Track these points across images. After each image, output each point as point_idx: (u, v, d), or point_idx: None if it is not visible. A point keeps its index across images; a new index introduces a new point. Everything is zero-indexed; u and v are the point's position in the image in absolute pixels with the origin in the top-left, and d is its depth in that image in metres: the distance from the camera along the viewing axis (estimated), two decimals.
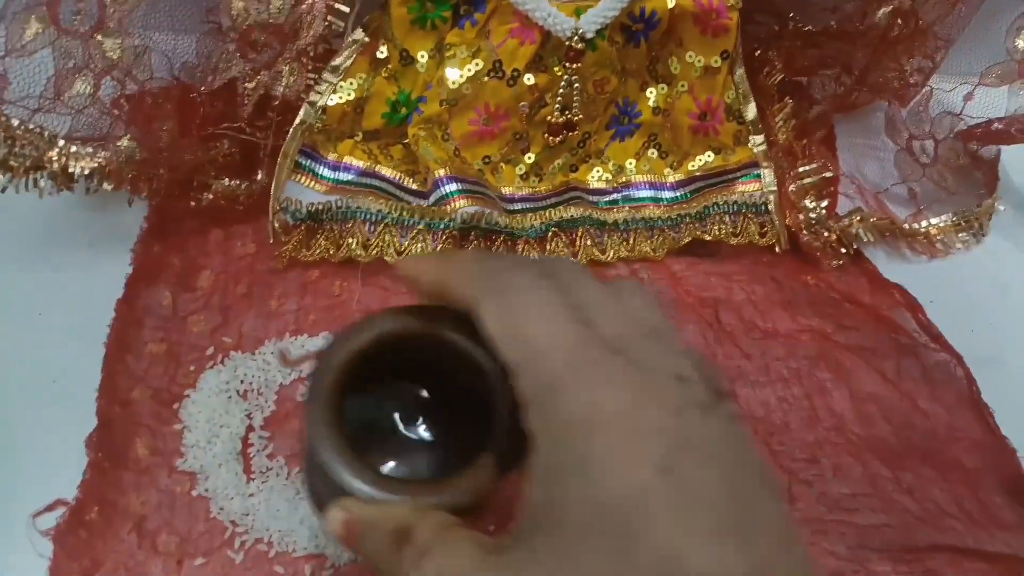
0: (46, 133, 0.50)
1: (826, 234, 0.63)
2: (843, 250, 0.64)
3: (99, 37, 0.52)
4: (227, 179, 0.58)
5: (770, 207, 0.64)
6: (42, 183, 0.52)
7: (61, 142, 0.50)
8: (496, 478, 0.33)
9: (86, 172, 0.51)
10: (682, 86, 0.64)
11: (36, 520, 0.45)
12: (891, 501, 0.52)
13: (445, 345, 0.34)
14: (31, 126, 0.49)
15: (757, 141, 0.65)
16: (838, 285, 0.62)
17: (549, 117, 0.61)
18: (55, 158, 0.50)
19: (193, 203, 0.57)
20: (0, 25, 0.50)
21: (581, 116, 0.62)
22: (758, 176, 0.65)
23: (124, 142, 0.52)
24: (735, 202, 0.64)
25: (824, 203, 0.63)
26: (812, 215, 0.62)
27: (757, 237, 0.64)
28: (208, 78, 0.56)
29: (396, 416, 0.40)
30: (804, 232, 0.63)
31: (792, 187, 0.64)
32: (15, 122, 0.48)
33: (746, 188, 0.65)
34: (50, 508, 0.45)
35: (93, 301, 0.54)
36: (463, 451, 0.34)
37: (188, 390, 0.51)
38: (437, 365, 0.37)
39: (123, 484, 0.47)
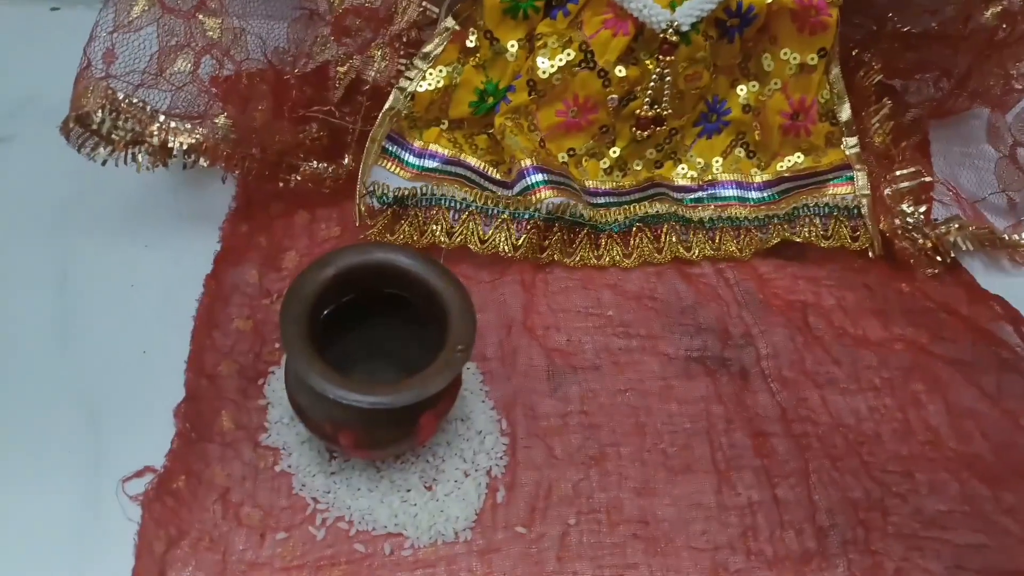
0: (148, 108, 0.51)
1: (921, 241, 0.61)
2: (939, 258, 0.61)
3: (201, 16, 0.53)
4: (315, 161, 0.58)
5: (863, 211, 0.62)
6: (140, 158, 0.53)
7: (162, 117, 0.51)
8: (446, 378, 0.42)
9: (184, 147, 0.52)
10: (775, 84, 0.62)
11: (125, 485, 0.46)
12: (990, 521, 0.50)
13: (401, 271, 0.44)
14: (135, 100, 0.50)
15: (850, 143, 0.63)
16: (934, 294, 0.60)
17: (638, 111, 0.60)
18: (156, 132, 0.51)
19: (281, 184, 0.58)
20: (110, 3, 0.51)
21: (670, 111, 0.61)
22: (851, 179, 0.63)
23: (220, 120, 0.53)
24: (826, 204, 0.62)
25: (922, 208, 0.60)
26: (909, 220, 0.60)
27: (849, 240, 0.62)
28: (301, 61, 0.57)
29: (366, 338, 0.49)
30: (899, 238, 0.60)
31: (888, 191, 0.61)
32: (120, 95, 0.49)
33: (838, 190, 0.63)
34: (139, 474, 0.46)
35: (183, 277, 0.55)
36: (417, 360, 0.42)
37: (273, 367, 0.51)
38: (393, 289, 0.46)
39: (209, 455, 0.47)
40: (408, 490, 0.47)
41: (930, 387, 0.55)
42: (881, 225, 0.62)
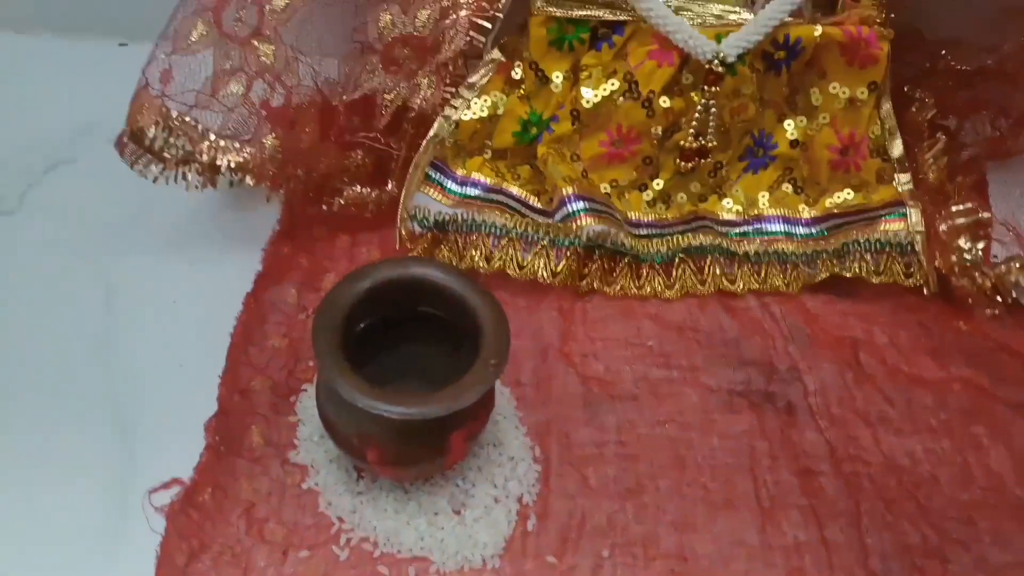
0: (200, 127, 0.52)
1: (980, 280, 0.58)
2: (999, 298, 0.58)
3: (255, 42, 0.55)
4: (359, 186, 0.59)
5: (917, 247, 0.60)
6: (190, 176, 0.54)
7: (212, 136, 0.52)
8: (478, 392, 0.41)
9: (232, 166, 0.53)
10: (823, 118, 0.61)
11: (152, 496, 0.45)
12: None
13: (435, 286, 0.44)
14: (187, 119, 0.52)
15: (903, 180, 0.61)
16: (994, 335, 0.57)
17: (682, 142, 0.60)
18: (205, 150, 0.52)
19: (325, 207, 0.58)
20: (170, 27, 0.53)
21: (715, 143, 0.60)
22: (904, 215, 0.61)
23: (268, 140, 0.54)
24: (877, 240, 0.60)
25: (980, 245, 0.58)
26: (967, 256, 0.58)
27: (902, 277, 0.59)
28: (349, 88, 0.58)
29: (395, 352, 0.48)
30: (956, 275, 0.58)
31: (943, 227, 0.59)
32: (174, 113, 0.51)
33: (890, 227, 0.61)
34: (166, 486, 0.46)
35: (224, 295, 0.56)
36: (448, 374, 0.42)
37: (305, 384, 0.51)
38: (427, 306, 0.45)
39: (236, 470, 0.47)
40: (436, 513, 0.46)
41: (992, 431, 0.52)
42: (937, 263, 0.59)
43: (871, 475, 0.50)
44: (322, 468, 0.47)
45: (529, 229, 0.58)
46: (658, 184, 0.62)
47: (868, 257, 0.60)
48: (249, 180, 0.54)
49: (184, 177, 0.54)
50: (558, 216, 0.58)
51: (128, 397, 0.50)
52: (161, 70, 0.52)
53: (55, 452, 0.47)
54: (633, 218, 0.62)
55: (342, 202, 0.59)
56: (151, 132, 0.50)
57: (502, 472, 0.48)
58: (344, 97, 0.58)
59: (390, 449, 0.42)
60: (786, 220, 0.63)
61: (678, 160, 0.61)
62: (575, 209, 0.57)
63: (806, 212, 0.63)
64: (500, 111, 0.60)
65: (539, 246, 0.58)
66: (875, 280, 0.59)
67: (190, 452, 0.47)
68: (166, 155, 0.53)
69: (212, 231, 0.60)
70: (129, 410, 0.50)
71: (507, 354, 0.42)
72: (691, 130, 0.59)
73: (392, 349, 0.47)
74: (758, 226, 0.63)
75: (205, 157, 0.52)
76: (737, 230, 0.62)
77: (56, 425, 0.49)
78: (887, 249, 0.60)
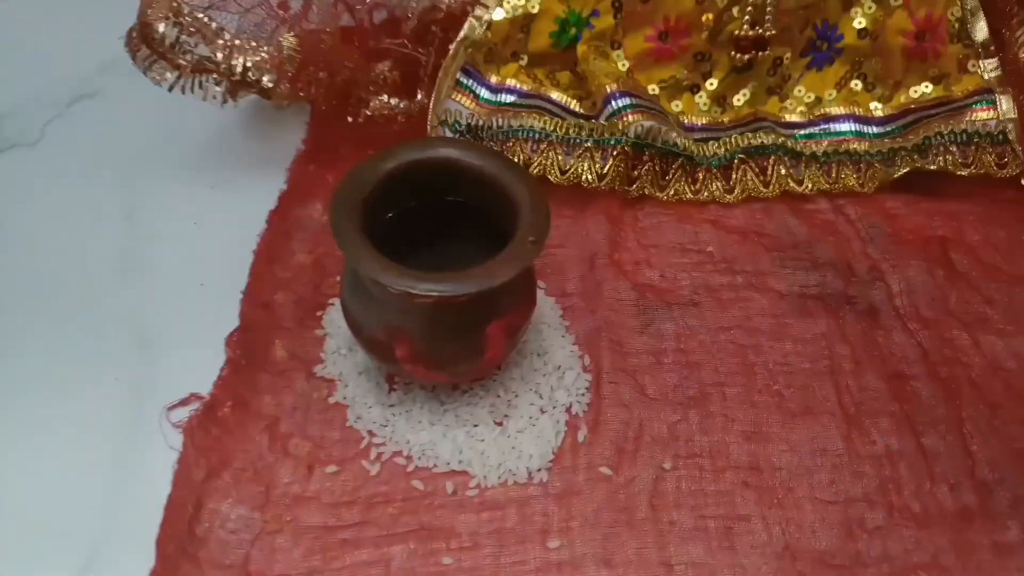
0: (214, 25, 0.49)
1: None
2: None
3: None
4: (386, 96, 0.55)
5: (1010, 136, 0.53)
6: (207, 86, 0.51)
7: (227, 35, 0.49)
8: (515, 268, 0.36)
9: (248, 65, 0.49)
10: (895, 0, 0.55)
11: (170, 412, 0.42)
12: None
13: (465, 168, 0.40)
14: (200, 15, 0.48)
15: (989, 66, 0.55)
16: None
17: (737, 31, 0.54)
18: (220, 49, 0.48)
19: (351, 118, 0.54)
20: None
21: (774, 32, 0.54)
22: (993, 103, 0.54)
23: (286, 40, 0.50)
24: (964, 131, 0.53)
25: None
26: None
27: (995, 168, 0.53)
28: None
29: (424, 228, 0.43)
30: None
31: None
32: (185, 8, 0.47)
33: (978, 116, 0.54)
34: (184, 402, 0.42)
35: (247, 216, 0.52)
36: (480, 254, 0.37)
37: (332, 299, 0.47)
38: (458, 194, 0.41)
39: (259, 384, 0.43)
40: (475, 425, 0.41)
41: None
42: None
43: (972, 379, 0.43)
44: (351, 381, 0.43)
45: (571, 131, 0.53)
46: (711, 84, 0.56)
47: (954, 149, 0.53)
48: (268, 81, 0.50)
49: (200, 87, 0.51)
50: (603, 116, 0.53)
51: (148, 316, 0.47)
52: None
53: (77, 369, 0.44)
54: (686, 123, 0.56)
55: (368, 113, 0.55)
56: (161, 28, 0.47)
57: (548, 382, 0.43)
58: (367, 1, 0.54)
59: (421, 343, 0.38)
60: (856, 119, 0.57)
61: (733, 53, 0.55)
62: (621, 105, 0.52)
63: (879, 110, 0.57)
64: (535, 10, 0.55)
65: (583, 148, 0.53)
66: (963, 172, 0.53)
67: (210, 369, 0.44)
68: (180, 61, 0.49)
69: (235, 158, 0.57)
70: (149, 328, 0.46)
71: (547, 233, 0.37)
72: (746, 18, 0.54)
73: (424, 249, 0.43)
74: (825, 127, 0.57)
75: (220, 56, 0.49)
76: (802, 132, 0.56)
77: (78, 342, 0.46)
78: (976, 140, 0.53)
